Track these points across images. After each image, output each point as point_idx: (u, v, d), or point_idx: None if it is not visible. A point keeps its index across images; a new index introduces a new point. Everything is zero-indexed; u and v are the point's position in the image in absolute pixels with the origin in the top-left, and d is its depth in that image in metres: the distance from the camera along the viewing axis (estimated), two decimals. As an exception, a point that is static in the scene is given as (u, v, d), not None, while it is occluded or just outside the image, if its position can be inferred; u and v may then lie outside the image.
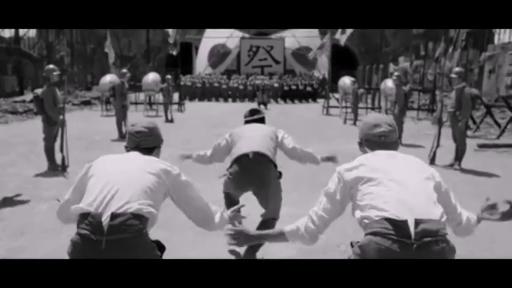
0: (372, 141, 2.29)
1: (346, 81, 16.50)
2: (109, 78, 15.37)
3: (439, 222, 1.91)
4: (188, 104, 21.58)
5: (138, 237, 2.05)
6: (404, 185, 2.01)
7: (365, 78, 29.35)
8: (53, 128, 6.92)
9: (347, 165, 2.19)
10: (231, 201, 3.76)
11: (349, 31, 18.92)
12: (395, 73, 10.58)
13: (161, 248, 2.20)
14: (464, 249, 3.52)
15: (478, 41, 23.19)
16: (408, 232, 1.85)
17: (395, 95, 10.13)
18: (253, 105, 18.77)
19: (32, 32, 25.76)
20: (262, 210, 3.78)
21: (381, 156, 2.19)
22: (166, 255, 2.27)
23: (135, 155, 2.37)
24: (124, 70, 11.00)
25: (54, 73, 6.85)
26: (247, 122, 4.04)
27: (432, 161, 7.75)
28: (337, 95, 19.02)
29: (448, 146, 8.07)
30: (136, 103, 19.05)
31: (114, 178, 2.16)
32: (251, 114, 4.07)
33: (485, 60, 21.92)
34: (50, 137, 6.75)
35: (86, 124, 13.52)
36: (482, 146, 9.81)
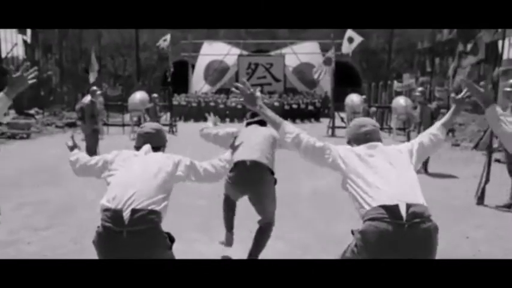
0: (359, 140, 2.72)
1: (354, 98, 14.87)
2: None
3: (424, 206, 2.31)
4: (182, 125, 19.91)
5: (154, 228, 2.47)
6: (392, 174, 2.41)
7: (371, 96, 27.81)
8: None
9: (345, 147, 2.70)
10: (229, 202, 4.18)
11: (356, 41, 17.36)
12: (419, 89, 8.95)
13: (171, 239, 2.62)
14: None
15: (491, 54, 21.70)
16: (400, 215, 2.24)
17: (419, 115, 8.45)
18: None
19: (17, 51, 24.24)
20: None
21: (368, 148, 2.61)
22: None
23: (147, 151, 2.81)
24: (94, 88, 9.32)
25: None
26: (248, 123, 4.26)
27: (480, 200, 6.05)
28: (342, 114, 17.41)
29: (499, 180, 6.34)
30: (123, 125, 17.47)
31: (132, 176, 2.58)
32: (252, 117, 4.22)
33: (499, 75, 20.44)
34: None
35: (60, 151, 11.82)
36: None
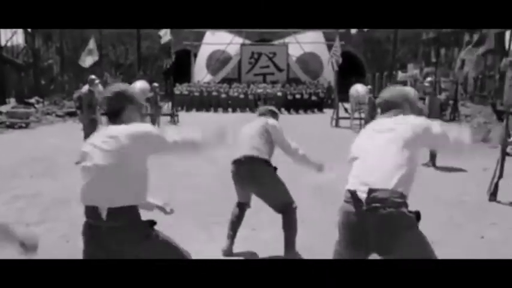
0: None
1: (359, 89, 14.49)
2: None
3: (392, 191, 2.27)
4: (184, 115, 19.63)
5: (130, 225, 2.34)
6: (372, 158, 2.41)
7: (376, 87, 27.46)
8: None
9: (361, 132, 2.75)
10: (237, 209, 4.15)
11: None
12: (428, 79, 8.64)
13: (152, 223, 2.42)
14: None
15: (499, 45, 21.30)
16: (359, 198, 2.31)
17: (427, 106, 8.14)
18: (255, 116, 16.79)
19: (17, 39, 23.92)
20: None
21: (369, 129, 2.62)
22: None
23: (106, 131, 2.41)
24: (92, 76, 9.05)
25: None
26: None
27: (493, 197, 5.79)
28: (346, 105, 17.05)
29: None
30: (124, 114, 17.21)
31: (93, 169, 2.30)
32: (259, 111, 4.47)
33: (507, 66, 20.03)
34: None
35: (59, 140, 11.58)
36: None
